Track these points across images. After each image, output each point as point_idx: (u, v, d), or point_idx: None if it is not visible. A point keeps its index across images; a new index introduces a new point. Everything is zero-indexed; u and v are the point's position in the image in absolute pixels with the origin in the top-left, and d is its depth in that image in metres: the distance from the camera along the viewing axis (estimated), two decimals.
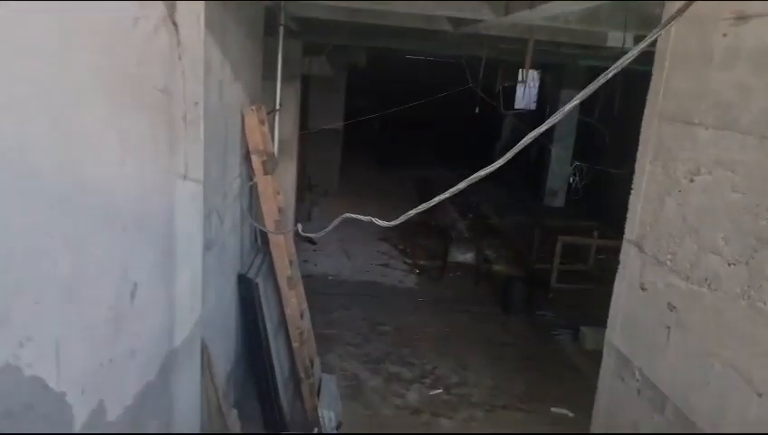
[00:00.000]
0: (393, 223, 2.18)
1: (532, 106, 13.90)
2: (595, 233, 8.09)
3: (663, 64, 2.12)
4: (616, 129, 8.44)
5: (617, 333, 2.46)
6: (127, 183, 1.79)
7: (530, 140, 1.38)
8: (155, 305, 2.18)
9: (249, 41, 4.21)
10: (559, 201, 12.44)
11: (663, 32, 1.44)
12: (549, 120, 1.34)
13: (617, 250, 7.20)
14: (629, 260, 2.35)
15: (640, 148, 2.28)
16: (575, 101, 1.30)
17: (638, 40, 5.02)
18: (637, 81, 4.73)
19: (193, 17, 2.31)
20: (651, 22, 4.01)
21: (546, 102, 12.83)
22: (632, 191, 2.34)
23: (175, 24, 2.05)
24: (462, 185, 1.69)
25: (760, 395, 1.65)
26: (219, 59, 3.28)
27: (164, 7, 1.94)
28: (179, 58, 2.16)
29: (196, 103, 2.49)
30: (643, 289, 2.25)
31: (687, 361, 1.98)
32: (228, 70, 3.55)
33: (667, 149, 2.10)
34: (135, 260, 1.92)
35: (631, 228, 2.34)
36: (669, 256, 2.07)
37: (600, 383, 2.59)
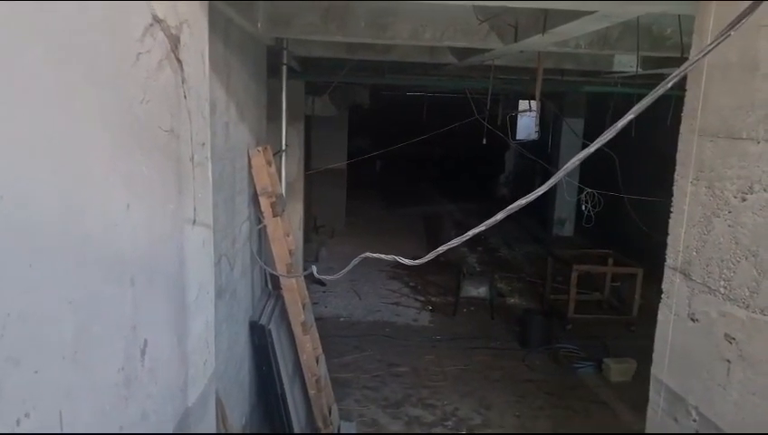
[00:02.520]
0: (419, 262, 2.04)
1: (535, 136, 13.86)
2: (610, 261, 7.91)
3: (700, 79, 2.00)
4: (624, 153, 8.32)
5: (664, 369, 2.27)
6: (134, 231, 1.65)
7: (588, 154, 1.24)
8: (167, 362, 2.01)
9: (253, 81, 4.13)
10: (567, 230, 12.28)
11: (719, 39, 1.31)
12: (608, 131, 1.20)
13: (632, 277, 7.01)
14: (674, 289, 2.19)
15: (678, 169, 2.14)
16: (640, 107, 1.17)
17: (647, 62, 4.94)
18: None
19: (197, 54, 2.20)
20: (663, 42, 3.93)
21: (549, 131, 12.77)
22: (672, 215, 2.19)
23: (179, 60, 1.94)
24: (500, 216, 1.55)
25: None
26: (224, 99, 3.18)
27: (167, 42, 1.83)
28: (185, 97, 2.04)
29: (203, 144, 2.37)
30: (693, 320, 2.07)
31: (755, 398, 1.79)
32: (233, 110, 3.45)
33: (711, 168, 1.96)
34: (144, 315, 1.76)
35: (674, 254, 2.18)
36: (723, 283, 1.90)
37: (650, 423, 2.39)
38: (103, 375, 1.50)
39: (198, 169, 2.29)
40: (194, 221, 2.24)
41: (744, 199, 1.81)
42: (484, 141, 6.65)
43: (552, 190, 11.79)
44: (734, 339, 1.87)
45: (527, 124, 13.19)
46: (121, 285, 1.59)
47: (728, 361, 1.90)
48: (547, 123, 12.91)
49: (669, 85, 1.25)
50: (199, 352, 2.40)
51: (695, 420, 2.07)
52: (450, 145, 14.92)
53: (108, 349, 1.53)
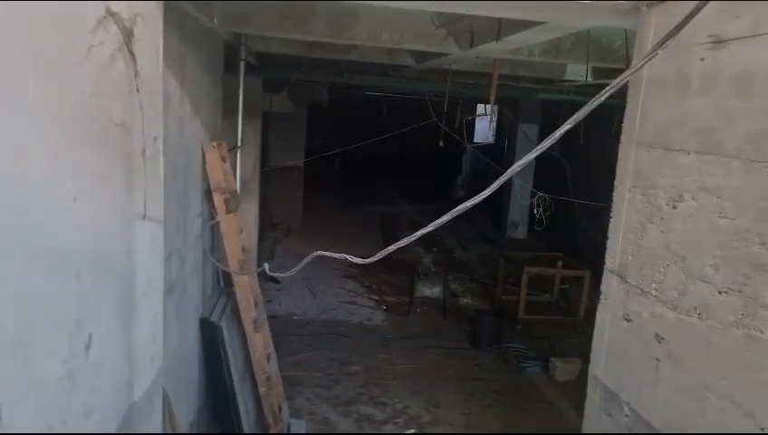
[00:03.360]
0: (369, 260, 2.07)
1: (491, 140, 14.11)
2: (559, 263, 8.12)
3: (638, 92, 2.10)
4: (575, 159, 8.57)
5: (601, 367, 2.38)
6: (80, 225, 1.64)
7: (528, 161, 1.30)
8: (113, 357, 2.00)
9: (208, 76, 4.11)
10: (521, 233, 12.52)
11: (646, 57, 1.40)
12: (547, 139, 1.27)
13: (580, 279, 7.23)
14: (612, 291, 2.29)
15: (618, 176, 2.25)
16: (576, 118, 1.24)
17: (597, 72, 5.11)
18: (593, 113, 4.79)
19: (151, 47, 2.19)
20: (612, 54, 4.08)
21: (505, 136, 13.03)
22: (611, 220, 2.29)
23: (132, 53, 1.94)
24: (446, 218, 1.61)
25: (763, 430, 1.58)
26: (178, 93, 3.16)
27: (120, 35, 1.82)
28: (137, 90, 2.03)
29: (155, 138, 2.36)
30: (628, 320, 2.18)
31: (680, 394, 1.90)
32: (188, 105, 3.43)
33: (647, 177, 2.07)
34: (90, 309, 1.75)
35: (612, 258, 2.28)
36: (655, 286, 2.01)
37: (586, 419, 2.49)
38: (45, 369, 1.49)
39: (150, 164, 2.28)
40: (144, 216, 2.23)
41: (674, 207, 1.92)
42: (441, 144, 6.74)
43: (507, 194, 12.06)
44: (663, 339, 1.98)
45: (485, 128, 13.38)
46: (66, 279, 1.58)
47: (657, 359, 2.00)
48: (504, 128, 13.17)
49: (604, 97, 1.33)
50: (146, 347, 2.39)
51: (627, 416, 2.17)
52: (409, 146, 15.03)
53: (51, 343, 1.52)
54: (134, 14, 1.99)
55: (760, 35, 1.58)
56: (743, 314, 1.64)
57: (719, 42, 1.73)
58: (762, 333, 1.58)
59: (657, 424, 2.02)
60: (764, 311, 1.56)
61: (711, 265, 1.76)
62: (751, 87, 1.62)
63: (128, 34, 1.93)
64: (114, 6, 1.78)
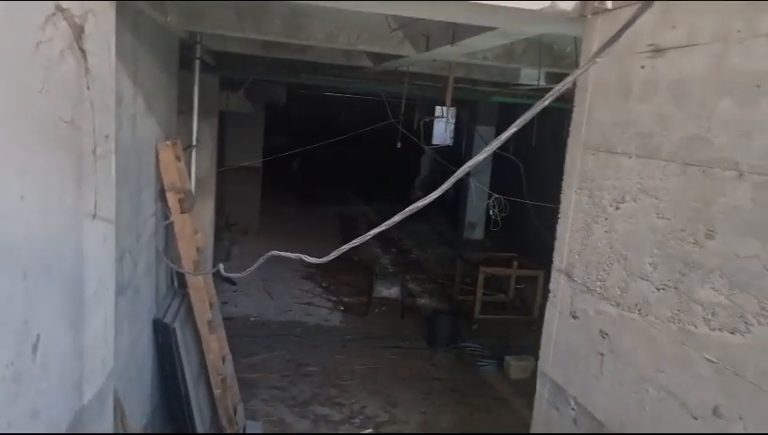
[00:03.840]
0: (323, 260, 2.10)
1: (450, 142, 14.27)
2: (514, 264, 8.28)
3: (585, 97, 2.19)
4: (531, 161, 8.74)
5: (549, 363, 2.46)
6: (28, 224, 1.61)
7: (471, 166, 1.35)
8: (61, 358, 1.96)
9: (163, 73, 4.05)
10: (478, 234, 12.70)
11: (584, 66, 1.47)
12: (493, 142, 1.31)
13: (534, 279, 7.39)
14: (559, 289, 2.37)
15: (565, 178, 2.33)
16: (521, 122, 1.29)
17: (549, 76, 5.25)
18: (547, 116, 4.92)
19: (103, 44, 2.16)
20: (563, 59, 4.20)
21: (462, 138, 13.20)
22: (559, 220, 2.37)
23: (83, 50, 1.91)
24: (397, 218, 1.64)
25: (696, 419, 1.67)
26: (131, 90, 3.11)
27: (70, 32, 1.80)
28: (88, 87, 2.00)
29: (107, 137, 2.33)
30: (574, 317, 2.26)
31: (622, 387, 1.98)
32: (141, 102, 3.37)
33: (592, 179, 2.15)
34: (38, 309, 1.72)
35: (560, 257, 2.36)
36: (599, 284, 2.09)
37: (536, 414, 2.57)
38: None
39: (101, 162, 2.24)
40: (94, 215, 2.20)
41: (617, 208, 2.00)
42: (399, 145, 6.79)
43: (464, 195, 12.21)
44: (607, 334, 2.06)
45: (442, 130, 13.54)
46: (13, 279, 1.55)
47: (602, 354, 2.09)
48: (462, 130, 13.34)
49: (547, 102, 1.38)
50: (97, 348, 2.35)
51: (573, 410, 2.25)
52: (367, 147, 15.07)
53: None
54: (85, 11, 1.96)
55: (693, 45, 1.67)
56: (678, 310, 1.73)
57: (658, 51, 1.82)
58: (695, 327, 1.66)
59: (600, 415, 2.11)
60: (697, 306, 1.65)
61: (650, 264, 1.85)
62: (685, 94, 1.71)
63: (78, 31, 1.91)
64: (65, 3, 1.75)
